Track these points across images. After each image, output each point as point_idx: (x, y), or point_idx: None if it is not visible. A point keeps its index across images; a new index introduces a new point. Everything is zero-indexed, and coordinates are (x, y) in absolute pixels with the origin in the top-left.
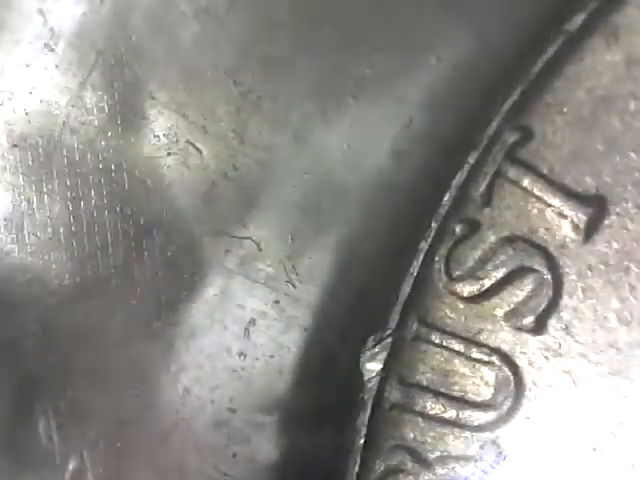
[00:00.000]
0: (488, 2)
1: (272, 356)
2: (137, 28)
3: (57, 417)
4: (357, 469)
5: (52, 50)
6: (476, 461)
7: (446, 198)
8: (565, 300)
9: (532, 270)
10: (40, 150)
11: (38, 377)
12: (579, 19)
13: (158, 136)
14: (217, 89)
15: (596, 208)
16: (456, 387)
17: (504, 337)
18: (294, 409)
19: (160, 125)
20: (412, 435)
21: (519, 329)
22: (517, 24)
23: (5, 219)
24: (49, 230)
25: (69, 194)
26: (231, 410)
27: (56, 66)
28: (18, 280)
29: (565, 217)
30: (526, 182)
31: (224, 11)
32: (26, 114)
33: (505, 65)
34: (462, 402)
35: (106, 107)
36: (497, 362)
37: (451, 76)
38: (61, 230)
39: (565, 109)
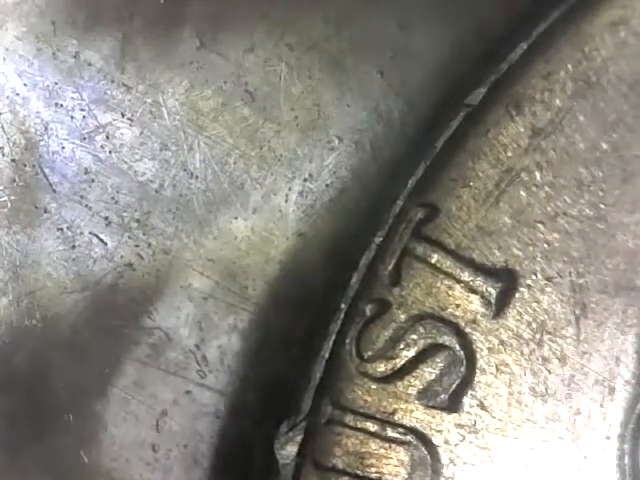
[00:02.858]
0: (386, 79)
1: (186, 445)
2: (34, 122)
3: None
4: None
5: None
6: None
7: (354, 279)
8: (478, 376)
9: (444, 347)
10: None
11: None
12: (480, 92)
13: (62, 229)
14: (118, 179)
15: (506, 282)
16: (372, 469)
17: (418, 416)
18: None
19: (63, 218)
20: None
21: (433, 407)
22: (418, 100)
23: None
24: None
25: None
26: None
27: None
28: None
29: (475, 292)
30: (434, 259)
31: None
32: None
33: (408, 142)
34: None
35: (9, 202)
36: (413, 441)
37: (354, 154)
38: None
39: (471, 183)
